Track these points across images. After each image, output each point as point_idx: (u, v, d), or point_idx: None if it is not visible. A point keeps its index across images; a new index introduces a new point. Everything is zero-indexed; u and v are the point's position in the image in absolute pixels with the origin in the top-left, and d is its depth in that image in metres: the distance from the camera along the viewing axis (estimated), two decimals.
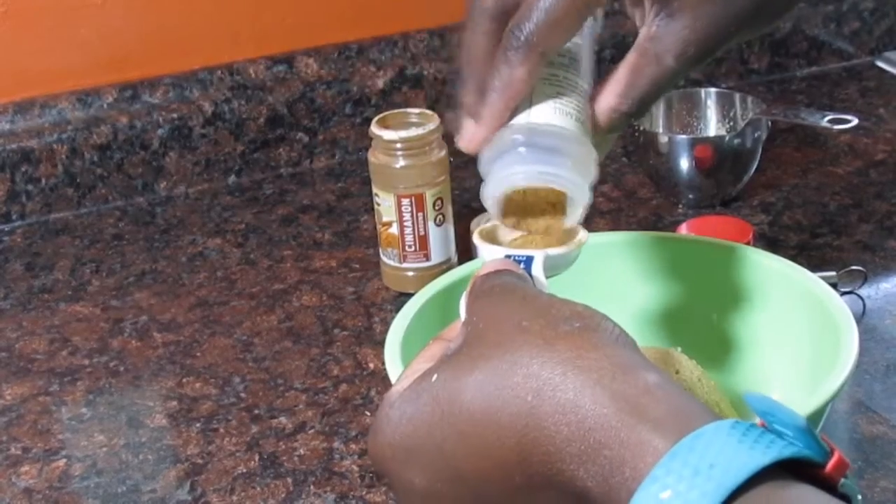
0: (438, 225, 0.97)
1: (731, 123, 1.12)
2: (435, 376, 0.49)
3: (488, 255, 0.60)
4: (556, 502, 0.46)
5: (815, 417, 0.65)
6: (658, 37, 0.61)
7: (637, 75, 0.61)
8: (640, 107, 0.62)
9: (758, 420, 0.42)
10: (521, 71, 0.59)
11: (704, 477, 0.39)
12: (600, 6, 0.63)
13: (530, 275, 0.58)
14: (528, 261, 0.59)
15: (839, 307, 0.71)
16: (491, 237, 0.63)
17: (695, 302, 0.79)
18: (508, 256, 0.59)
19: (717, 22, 0.61)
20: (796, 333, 0.74)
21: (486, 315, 0.51)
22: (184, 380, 0.90)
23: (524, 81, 0.60)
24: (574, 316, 0.48)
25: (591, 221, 1.08)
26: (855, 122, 1.07)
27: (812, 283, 0.74)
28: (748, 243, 0.90)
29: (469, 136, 0.61)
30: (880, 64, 1.39)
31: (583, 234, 0.63)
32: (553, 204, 0.63)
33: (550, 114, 0.61)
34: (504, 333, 0.49)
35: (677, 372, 0.72)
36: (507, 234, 0.64)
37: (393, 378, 0.68)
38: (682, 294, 0.79)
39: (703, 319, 0.79)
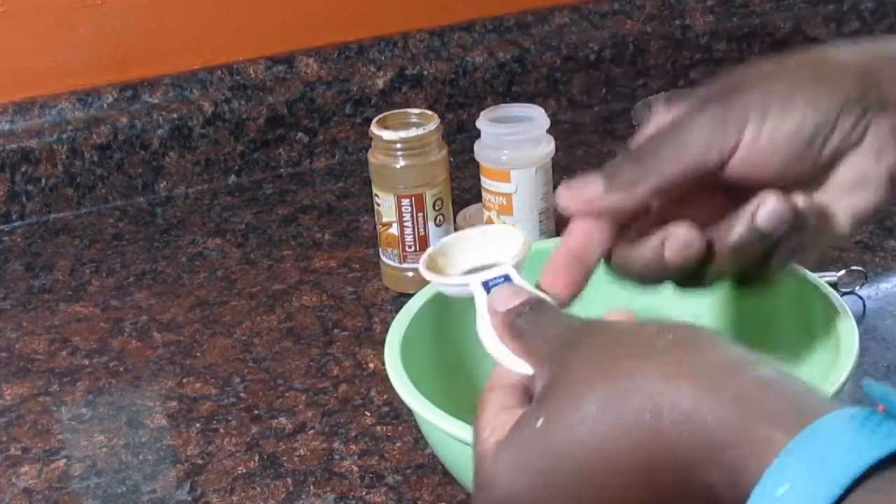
0: (438, 225, 0.97)
1: None
2: (540, 420, 0.49)
3: (475, 289, 0.60)
4: None
5: None
6: None
7: None
8: None
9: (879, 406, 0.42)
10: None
11: (820, 469, 0.40)
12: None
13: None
14: (507, 278, 0.60)
15: (839, 307, 0.71)
16: (435, 267, 0.64)
17: (695, 303, 0.79)
18: (486, 283, 0.60)
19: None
20: (796, 333, 0.74)
21: (570, 352, 0.51)
22: (184, 380, 0.90)
23: None
24: (662, 330, 0.49)
25: None
26: None
27: (812, 283, 0.74)
28: None
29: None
30: None
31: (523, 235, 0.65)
32: None
33: None
34: (604, 363, 0.48)
35: None
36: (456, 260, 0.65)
37: (393, 378, 0.68)
38: (681, 295, 0.79)
39: (703, 320, 0.78)
